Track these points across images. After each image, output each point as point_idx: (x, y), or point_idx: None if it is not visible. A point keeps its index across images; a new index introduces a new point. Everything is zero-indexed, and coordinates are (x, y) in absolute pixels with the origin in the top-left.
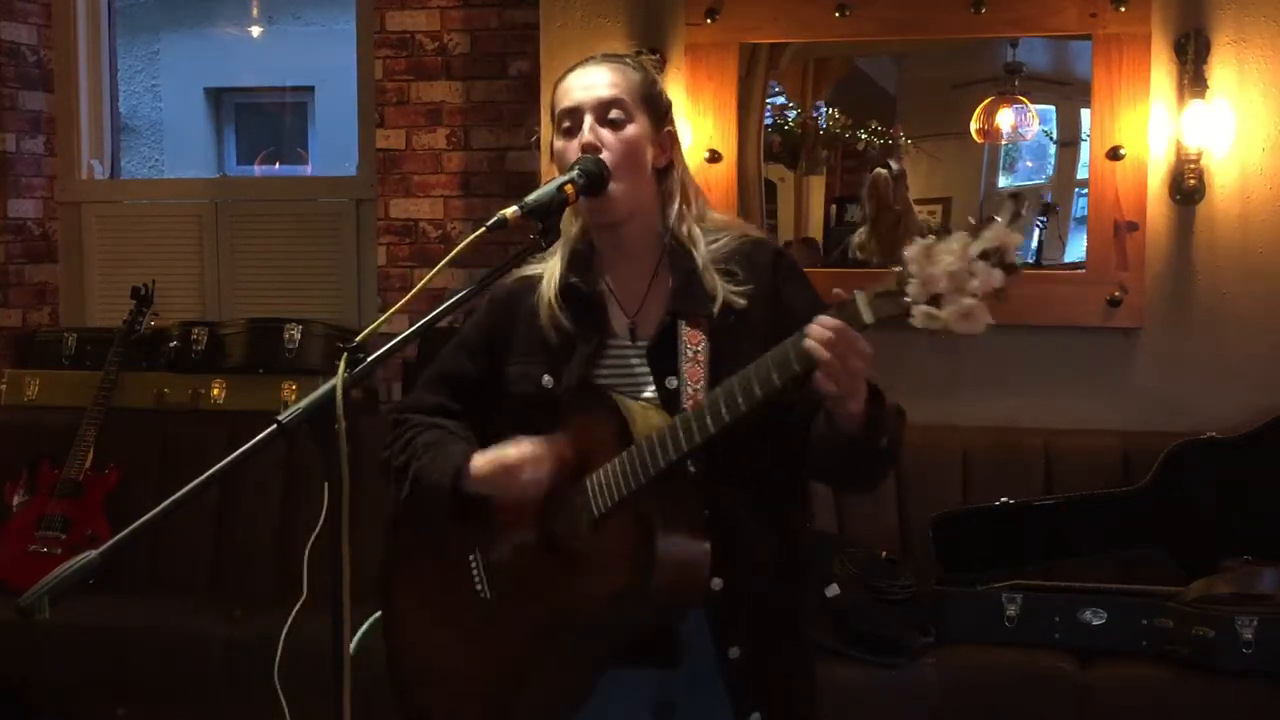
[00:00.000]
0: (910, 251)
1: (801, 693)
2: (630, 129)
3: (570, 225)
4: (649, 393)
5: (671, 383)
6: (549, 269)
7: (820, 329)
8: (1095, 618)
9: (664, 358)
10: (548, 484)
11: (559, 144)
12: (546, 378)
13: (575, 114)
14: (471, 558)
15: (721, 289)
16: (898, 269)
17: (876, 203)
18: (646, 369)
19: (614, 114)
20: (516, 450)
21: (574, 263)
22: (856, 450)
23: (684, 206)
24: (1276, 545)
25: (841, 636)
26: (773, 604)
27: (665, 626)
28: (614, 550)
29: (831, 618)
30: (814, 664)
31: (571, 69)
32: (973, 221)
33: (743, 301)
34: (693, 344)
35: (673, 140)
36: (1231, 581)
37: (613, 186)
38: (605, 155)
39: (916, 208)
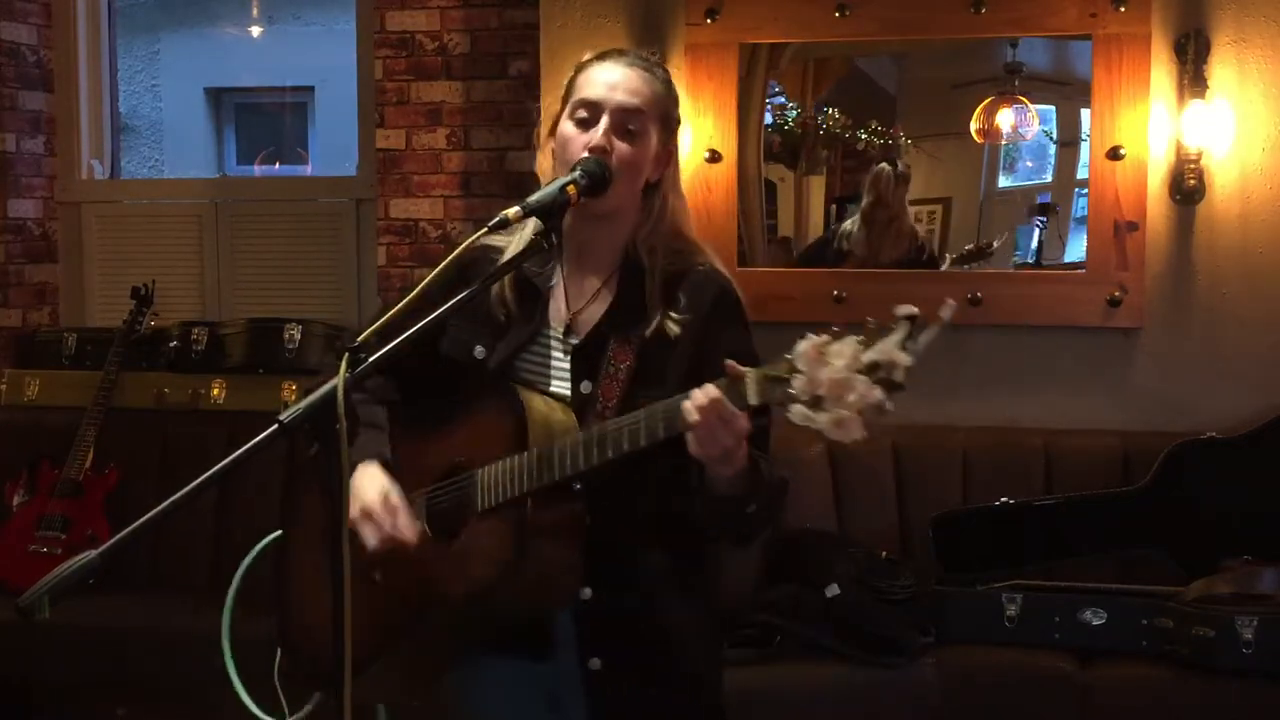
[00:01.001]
0: (801, 348)
1: (675, 714)
2: (641, 144)
3: None
4: (563, 389)
5: (586, 387)
6: (513, 245)
7: (701, 396)
8: (1095, 618)
9: (587, 362)
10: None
11: (568, 129)
12: (479, 349)
13: (595, 108)
14: None
15: (659, 314)
16: (789, 356)
17: (875, 197)
18: (568, 367)
19: (632, 125)
20: (383, 515)
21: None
22: (721, 509)
23: (657, 224)
24: (1276, 545)
25: (841, 636)
26: (647, 621)
27: (536, 621)
28: (487, 545)
29: (831, 618)
30: (701, 687)
31: (604, 57)
32: (870, 323)
33: (676, 329)
34: (617, 360)
35: (670, 156)
36: (1231, 581)
37: (610, 190)
38: (611, 161)
39: (917, 208)
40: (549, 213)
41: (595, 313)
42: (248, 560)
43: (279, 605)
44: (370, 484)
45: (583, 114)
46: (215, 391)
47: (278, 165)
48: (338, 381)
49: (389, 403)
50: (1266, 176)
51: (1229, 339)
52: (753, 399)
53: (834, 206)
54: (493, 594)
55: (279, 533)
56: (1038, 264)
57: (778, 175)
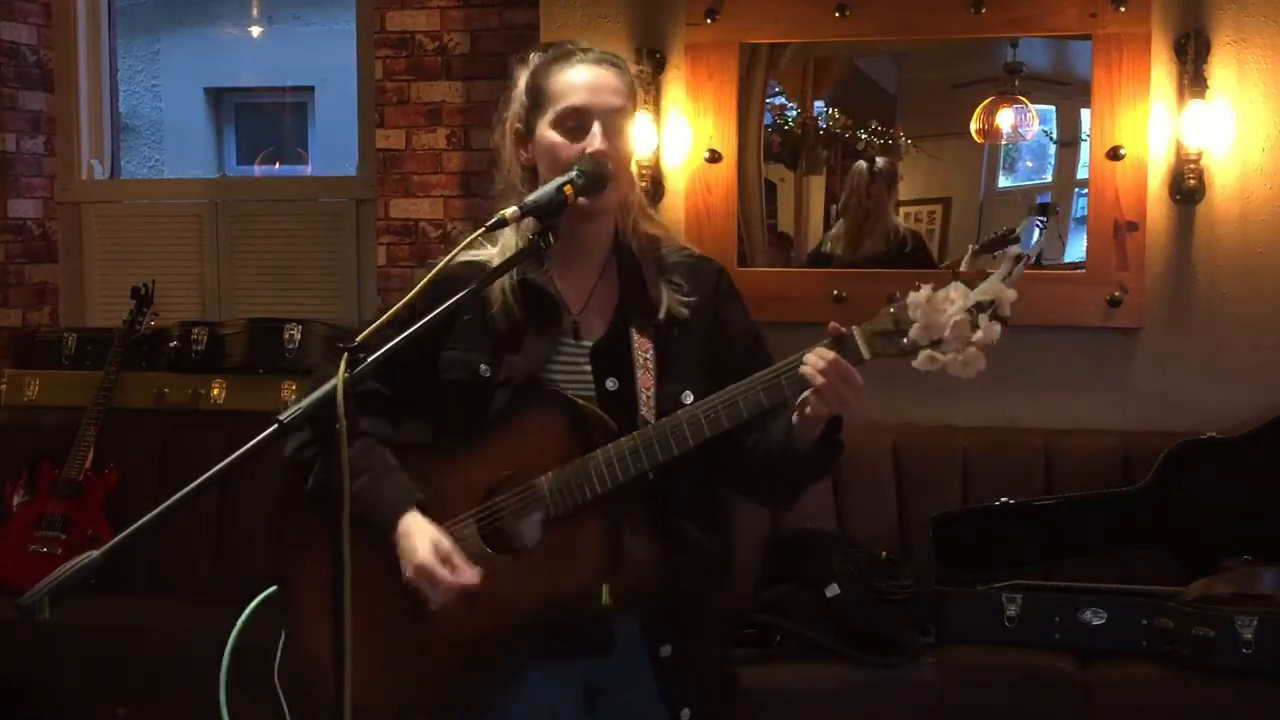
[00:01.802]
0: (914, 298)
1: (723, 689)
2: (628, 138)
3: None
4: (586, 390)
5: (611, 384)
6: (499, 254)
7: (818, 359)
8: (1095, 618)
9: (607, 359)
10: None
11: (554, 137)
12: (484, 366)
13: (583, 115)
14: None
15: (667, 299)
16: (891, 309)
17: (848, 194)
18: (588, 368)
19: (620, 122)
20: (441, 569)
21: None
22: (803, 464)
23: (637, 212)
24: (1276, 545)
25: (841, 636)
26: (703, 605)
27: (603, 620)
28: (573, 550)
29: (831, 618)
30: (733, 660)
31: (570, 58)
32: (964, 270)
33: (685, 313)
34: (642, 351)
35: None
36: (1231, 581)
37: (609, 189)
38: (608, 162)
39: (917, 208)
40: (547, 213)
41: (599, 309)
42: (242, 619)
43: (311, 680)
44: (419, 539)
45: (571, 123)
46: (215, 391)
47: (278, 165)
48: (337, 381)
49: (395, 441)
50: (1266, 176)
51: (1229, 339)
52: (865, 354)
53: (834, 206)
54: (580, 601)
55: (272, 590)
56: (1038, 264)
57: (778, 175)
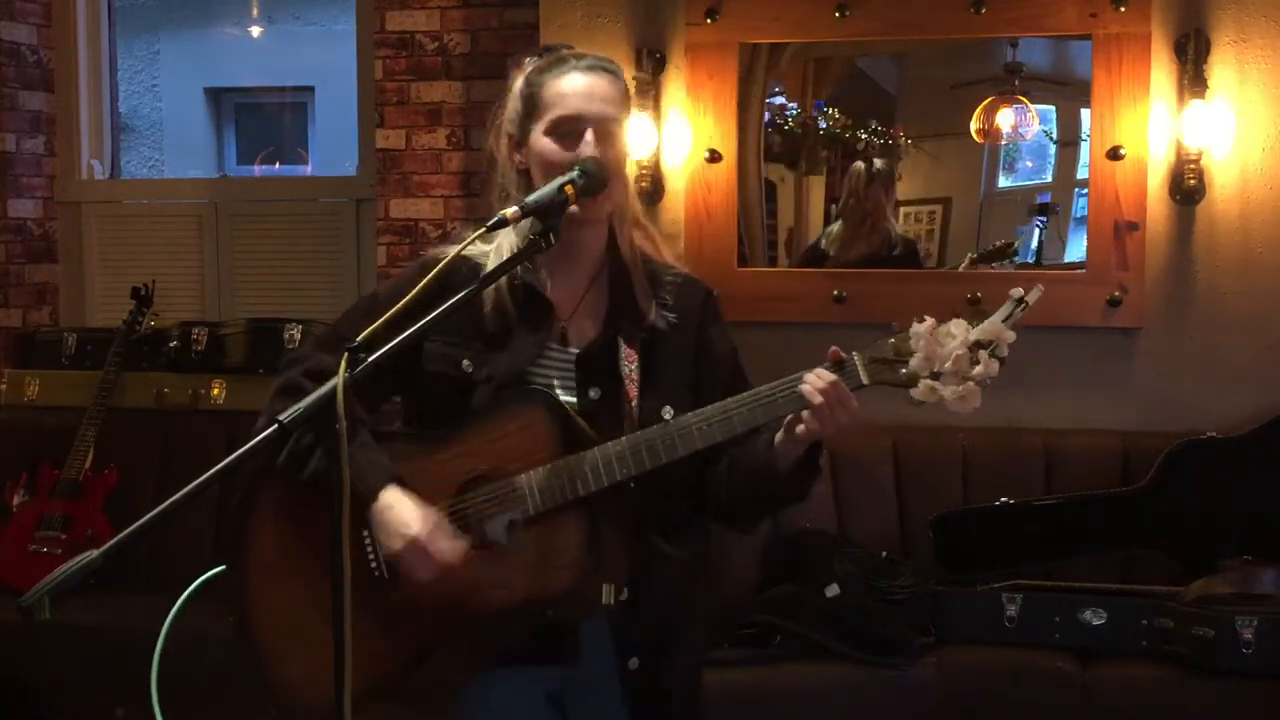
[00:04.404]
0: (917, 329)
1: (691, 702)
2: (622, 145)
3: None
4: (568, 397)
5: (594, 393)
6: (494, 253)
7: (818, 379)
8: (1095, 618)
9: (593, 368)
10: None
11: (547, 146)
12: (466, 362)
13: (576, 122)
14: (365, 533)
15: (654, 312)
16: (891, 339)
17: (847, 195)
18: (571, 375)
19: (612, 129)
20: (435, 543)
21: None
22: (782, 485)
23: (632, 223)
24: (1276, 545)
25: (841, 636)
26: (674, 618)
27: (570, 626)
28: (552, 551)
29: (831, 618)
30: (702, 673)
31: (564, 64)
32: (969, 308)
33: (666, 327)
34: (629, 362)
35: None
36: (1231, 581)
37: (603, 195)
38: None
39: (917, 208)
40: (546, 212)
41: (590, 316)
42: (183, 598)
43: (257, 663)
44: (408, 512)
45: (564, 130)
46: (215, 391)
47: (278, 165)
48: (337, 381)
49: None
50: (1266, 176)
51: (1229, 339)
52: (865, 380)
53: (834, 206)
54: (568, 598)
55: (221, 568)
56: (1038, 264)
57: (778, 175)
